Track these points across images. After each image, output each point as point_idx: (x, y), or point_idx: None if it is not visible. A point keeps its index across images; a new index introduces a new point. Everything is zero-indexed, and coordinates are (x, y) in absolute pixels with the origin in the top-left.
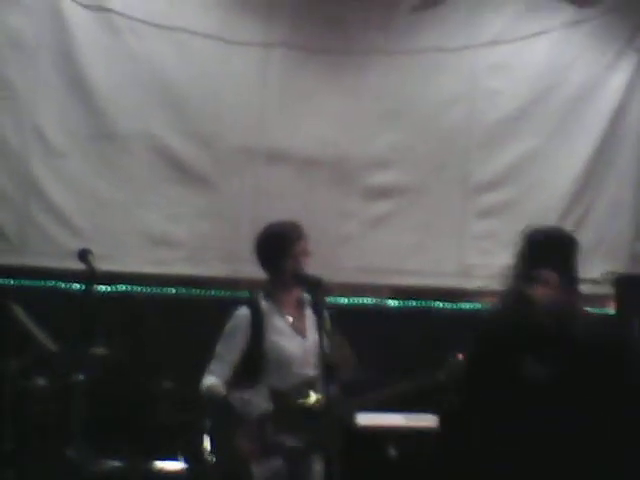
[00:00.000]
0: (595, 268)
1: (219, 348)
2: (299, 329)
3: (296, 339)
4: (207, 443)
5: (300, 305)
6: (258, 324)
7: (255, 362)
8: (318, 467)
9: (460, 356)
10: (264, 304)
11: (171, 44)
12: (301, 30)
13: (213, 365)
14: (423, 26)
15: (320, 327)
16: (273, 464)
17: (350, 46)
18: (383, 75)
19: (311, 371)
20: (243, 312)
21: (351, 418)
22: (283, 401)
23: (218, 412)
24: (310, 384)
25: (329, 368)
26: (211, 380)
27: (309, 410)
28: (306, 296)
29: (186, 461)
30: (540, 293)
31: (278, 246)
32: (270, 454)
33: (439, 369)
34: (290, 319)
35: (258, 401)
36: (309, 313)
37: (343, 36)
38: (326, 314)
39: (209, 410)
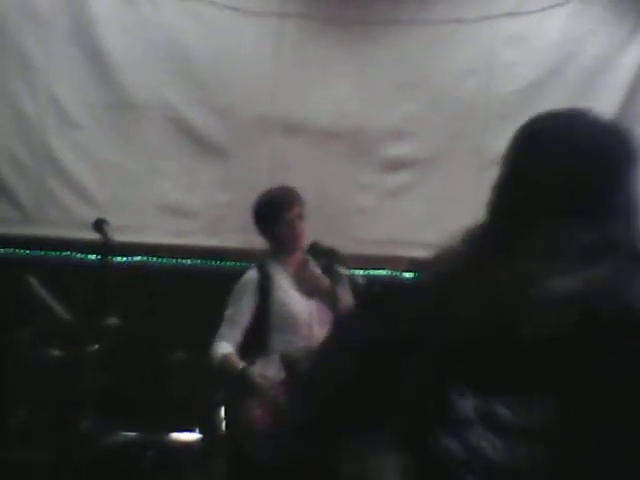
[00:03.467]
0: None
1: (229, 312)
2: (304, 289)
3: (302, 298)
4: (221, 414)
5: (304, 266)
6: (265, 284)
7: (263, 323)
8: None
9: None
10: (271, 266)
11: (187, 14)
12: (316, 0)
13: (223, 329)
14: None
15: (334, 298)
16: (284, 432)
17: (366, 16)
18: (399, 46)
19: (318, 331)
20: (250, 273)
21: None
22: (294, 369)
23: (233, 384)
24: None
25: None
26: (224, 347)
27: None
28: (309, 259)
29: (201, 432)
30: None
31: (272, 212)
32: (283, 423)
33: None
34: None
35: (271, 371)
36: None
37: (358, 6)
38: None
39: (224, 381)
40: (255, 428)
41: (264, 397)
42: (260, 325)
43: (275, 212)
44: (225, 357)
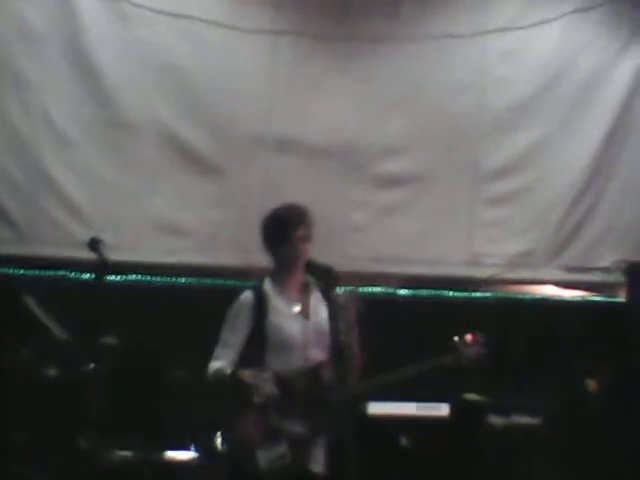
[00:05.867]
0: (606, 256)
1: (223, 333)
2: (302, 311)
3: (298, 320)
4: (219, 433)
5: (305, 288)
6: (261, 306)
7: (258, 345)
8: (320, 453)
9: (468, 337)
10: (268, 287)
11: (181, 32)
12: (310, 18)
13: (218, 350)
14: (432, 12)
15: (332, 315)
16: (277, 449)
17: (359, 33)
18: (392, 62)
19: (313, 353)
20: (246, 295)
21: (359, 403)
22: (288, 386)
23: (225, 392)
24: (315, 371)
25: (339, 354)
26: (217, 364)
27: (314, 396)
28: (311, 279)
29: (197, 450)
30: None
31: (278, 230)
32: (273, 439)
33: (446, 352)
34: (292, 301)
35: (263, 385)
36: (315, 296)
37: (352, 23)
38: (345, 300)
39: (217, 392)
40: (250, 443)
41: (250, 408)
42: (255, 347)
43: (281, 230)
44: (217, 370)
